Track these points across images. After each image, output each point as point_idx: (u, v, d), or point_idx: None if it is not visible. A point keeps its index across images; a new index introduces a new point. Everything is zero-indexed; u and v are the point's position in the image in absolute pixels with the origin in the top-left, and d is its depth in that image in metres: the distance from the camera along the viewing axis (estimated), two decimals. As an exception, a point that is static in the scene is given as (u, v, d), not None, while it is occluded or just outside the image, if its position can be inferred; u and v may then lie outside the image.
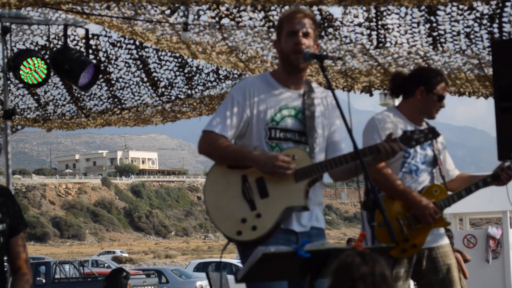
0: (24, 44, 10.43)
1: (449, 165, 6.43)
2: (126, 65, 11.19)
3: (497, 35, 8.57)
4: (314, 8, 8.08)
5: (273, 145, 5.23)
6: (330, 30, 8.75)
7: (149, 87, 11.85)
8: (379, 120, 6.10)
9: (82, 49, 10.10)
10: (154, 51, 10.79)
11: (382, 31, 8.75)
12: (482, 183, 6.11)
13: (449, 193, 6.13)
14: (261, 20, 8.45)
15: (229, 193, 5.22)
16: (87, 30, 10.11)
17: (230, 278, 10.73)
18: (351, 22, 8.56)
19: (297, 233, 5.18)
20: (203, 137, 5.26)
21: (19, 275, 5.27)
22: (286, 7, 7.49)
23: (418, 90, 6.14)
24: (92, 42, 10.38)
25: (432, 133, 5.49)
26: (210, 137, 5.20)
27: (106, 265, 48.60)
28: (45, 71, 9.70)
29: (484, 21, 8.39)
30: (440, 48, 9.16)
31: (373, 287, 3.54)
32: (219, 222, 5.22)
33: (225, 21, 8.57)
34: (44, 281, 32.13)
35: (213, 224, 5.23)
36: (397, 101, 6.82)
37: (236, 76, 11.12)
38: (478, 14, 8.24)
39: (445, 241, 6.27)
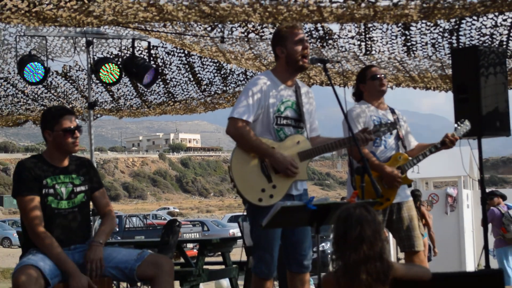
0: (102, 53, 10.43)
1: (411, 138, 6.51)
2: (178, 68, 11.18)
3: (455, 45, 8.52)
4: (318, 25, 8.05)
5: (278, 129, 5.31)
6: (330, 41, 8.71)
7: (195, 85, 11.83)
8: (357, 111, 6.26)
9: (145, 57, 10.10)
10: (199, 58, 10.77)
11: (369, 42, 8.70)
12: (434, 148, 6.23)
13: (410, 158, 6.22)
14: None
15: (250, 169, 5.23)
16: (149, 43, 10.11)
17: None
18: (346, 35, 8.51)
19: (294, 196, 5.28)
20: (232, 123, 5.24)
21: (109, 216, 5.37)
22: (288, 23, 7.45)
23: (361, 87, 6.41)
24: (152, 51, 10.37)
25: (392, 126, 5.69)
26: (239, 124, 5.20)
27: (163, 217, 48.64)
28: (118, 74, 9.71)
29: (446, 34, 8.33)
30: (412, 55, 9.11)
31: (375, 229, 3.59)
32: (244, 192, 5.20)
33: (252, 35, 8.54)
34: (117, 229, 32.32)
35: (238, 193, 5.22)
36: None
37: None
38: (441, 29, 8.18)
39: (410, 198, 6.38)
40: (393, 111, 6.40)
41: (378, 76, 6.30)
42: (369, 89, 6.33)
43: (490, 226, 11.79)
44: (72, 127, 5.11)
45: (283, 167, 5.15)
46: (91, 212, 5.61)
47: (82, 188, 5.23)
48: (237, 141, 5.25)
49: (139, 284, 5.59)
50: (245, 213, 5.55)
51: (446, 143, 6.19)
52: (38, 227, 4.94)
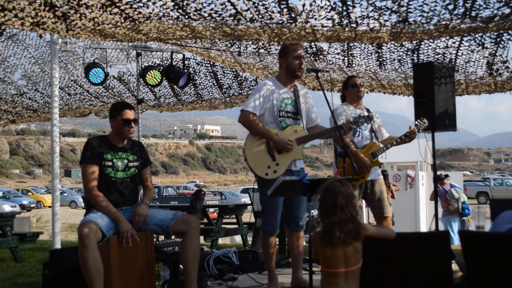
0: (148, 62, 10.45)
1: (383, 131, 6.56)
2: (205, 75, 11.17)
3: (416, 60, 8.50)
4: (312, 43, 8.03)
5: (281, 120, 5.40)
6: (321, 56, 8.69)
7: (217, 88, 11.83)
8: (340, 110, 6.30)
9: (181, 66, 10.09)
10: (221, 68, 10.76)
11: (351, 57, 8.67)
12: (399, 139, 6.32)
13: (381, 146, 6.28)
14: (282, 50, 8.42)
15: (259, 151, 5.32)
16: (183, 55, 10.11)
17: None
18: (333, 52, 8.49)
19: (293, 171, 5.33)
20: (243, 114, 5.37)
21: (148, 189, 5.39)
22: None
23: (344, 92, 6.47)
24: (186, 62, 10.36)
25: (369, 119, 5.83)
26: (248, 115, 5.33)
27: (191, 188, 48.80)
28: (160, 78, 9.72)
29: (409, 53, 8.31)
30: (383, 68, 9.09)
31: (346, 198, 3.58)
32: (254, 167, 5.29)
33: (262, 50, 8.52)
34: (156, 196, 32.50)
35: (250, 168, 5.30)
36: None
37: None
38: (405, 48, 8.16)
39: (380, 176, 6.42)
40: (368, 110, 6.43)
41: (357, 85, 6.36)
42: (350, 94, 6.40)
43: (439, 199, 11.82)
44: (130, 119, 5.19)
45: (282, 145, 5.25)
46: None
47: (135, 164, 5.29)
48: (246, 128, 5.37)
49: (173, 237, 5.61)
50: (254, 186, 5.62)
51: (409, 135, 6.24)
52: (94, 190, 5.03)
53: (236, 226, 12.15)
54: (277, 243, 8.42)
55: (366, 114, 6.34)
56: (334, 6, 5.37)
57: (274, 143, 5.26)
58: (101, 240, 4.78)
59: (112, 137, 5.26)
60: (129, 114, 5.20)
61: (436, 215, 7.44)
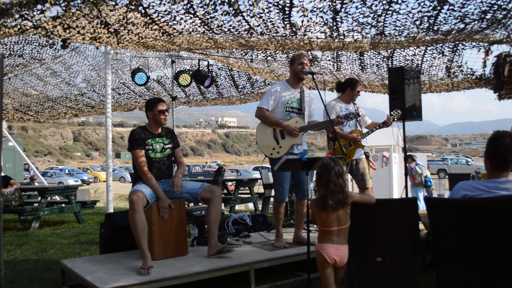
0: (180, 68, 10.44)
1: (366, 119, 6.50)
2: (225, 78, 11.16)
3: (390, 65, 8.45)
4: (309, 52, 8.00)
5: (286, 114, 5.40)
6: (316, 62, 8.67)
7: (234, 88, 11.81)
8: (332, 104, 6.21)
9: (206, 70, 10.08)
10: (237, 72, 10.75)
11: (339, 63, 8.65)
12: (378, 126, 6.24)
13: (364, 131, 6.27)
14: (285, 58, 8.38)
15: (267, 136, 5.36)
16: (208, 62, 10.09)
17: (269, 173, 10.76)
18: (325, 58, 8.47)
19: (296, 153, 5.33)
20: (259, 110, 5.39)
21: (181, 163, 5.41)
22: (296, 52, 7.42)
23: (347, 89, 6.29)
24: (210, 67, 10.36)
25: (357, 115, 5.82)
26: (262, 110, 5.34)
27: (213, 167, 48.82)
28: (189, 80, 9.72)
29: (385, 59, 8.27)
30: (365, 71, 9.04)
31: (337, 174, 3.58)
32: (262, 148, 5.36)
33: (269, 58, 8.50)
34: (187, 173, 32.57)
35: (260, 148, 5.36)
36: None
37: (273, 83, 11.04)
38: (382, 56, 8.11)
39: (363, 156, 6.39)
40: (354, 103, 6.41)
41: (359, 92, 6.33)
42: (349, 94, 6.32)
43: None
44: (163, 109, 5.24)
45: (289, 130, 5.28)
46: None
47: (169, 146, 5.31)
48: (261, 120, 5.39)
49: (200, 203, 5.65)
50: (263, 165, 5.64)
51: (386, 122, 6.20)
52: (144, 168, 5.05)
53: (249, 195, 12.18)
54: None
55: (351, 107, 6.33)
56: (326, 22, 5.34)
57: (283, 129, 5.30)
58: (145, 206, 4.83)
59: (150, 126, 5.29)
60: (163, 106, 5.26)
61: (406, 186, 7.44)
